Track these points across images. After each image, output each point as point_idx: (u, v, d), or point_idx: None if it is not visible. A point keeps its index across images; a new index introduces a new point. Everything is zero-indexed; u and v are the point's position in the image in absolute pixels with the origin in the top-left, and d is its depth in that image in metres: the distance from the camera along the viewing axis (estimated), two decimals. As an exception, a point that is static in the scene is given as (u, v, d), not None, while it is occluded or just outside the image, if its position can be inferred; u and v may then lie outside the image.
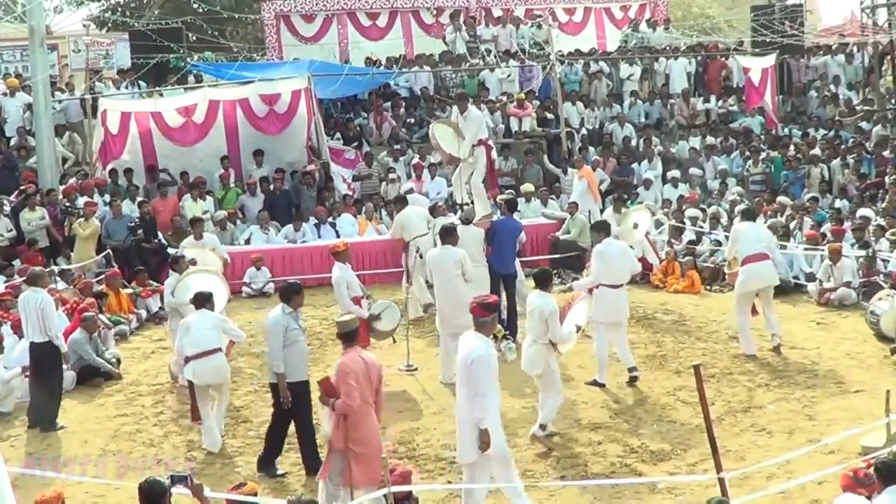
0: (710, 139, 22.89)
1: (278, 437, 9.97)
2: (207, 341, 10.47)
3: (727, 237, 16.79)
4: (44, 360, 11.31)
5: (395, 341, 12.93)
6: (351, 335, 8.42)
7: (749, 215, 13.72)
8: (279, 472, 9.85)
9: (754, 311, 13.06)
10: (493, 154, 14.94)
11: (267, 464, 9.92)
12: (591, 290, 11.94)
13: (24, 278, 12.48)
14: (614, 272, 12.03)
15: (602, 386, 11.85)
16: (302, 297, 9.91)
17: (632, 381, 11.95)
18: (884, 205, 18.06)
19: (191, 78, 22.85)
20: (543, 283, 10.57)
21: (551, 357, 10.36)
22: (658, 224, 18.37)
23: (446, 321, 12.08)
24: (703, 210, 18.89)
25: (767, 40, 25.06)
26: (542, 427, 10.36)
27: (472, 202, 14.33)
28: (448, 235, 12.34)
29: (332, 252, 12.64)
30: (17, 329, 12.70)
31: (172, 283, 12.69)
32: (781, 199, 18.98)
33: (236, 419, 11.38)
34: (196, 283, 12.03)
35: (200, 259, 14.21)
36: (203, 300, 10.79)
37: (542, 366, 10.32)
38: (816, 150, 21.40)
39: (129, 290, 15.91)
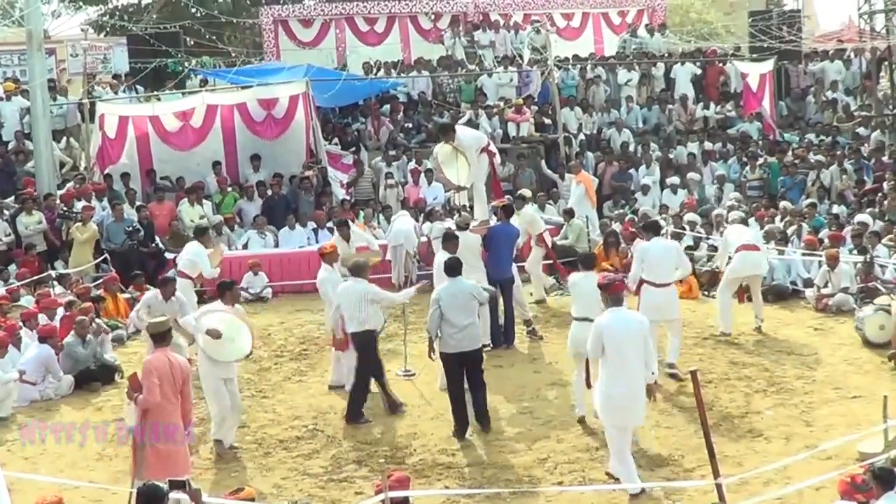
0: (707, 145, 22.93)
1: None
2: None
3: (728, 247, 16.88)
4: None
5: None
6: (161, 336, 8.92)
7: (742, 222, 14.59)
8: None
9: (739, 300, 13.94)
10: (497, 159, 14.89)
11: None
12: (637, 290, 12.10)
13: None
14: (657, 270, 12.12)
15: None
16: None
17: (673, 376, 12.09)
18: (885, 208, 18.02)
19: (191, 82, 22.87)
20: (589, 265, 11.10)
21: None
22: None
23: None
24: (702, 215, 18.89)
25: (765, 46, 25.11)
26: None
27: (471, 206, 14.33)
28: (448, 242, 12.34)
29: (320, 253, 12.85)
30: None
31: (150, 299, 12.43)
32: (784, 203, 19.00)
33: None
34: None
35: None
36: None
37: None
38: (819, 156, 21.41)
39: (127, 295, 15.89)
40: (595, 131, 23.59)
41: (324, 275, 12.50)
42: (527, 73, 24.03)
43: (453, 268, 11.17)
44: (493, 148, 14.50)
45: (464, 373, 10.83)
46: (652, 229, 12.89)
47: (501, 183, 20.27)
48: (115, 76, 23.90)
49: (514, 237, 13.96)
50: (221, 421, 10.50)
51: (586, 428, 10.78)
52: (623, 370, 8.99)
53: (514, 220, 14.31)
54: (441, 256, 12.23)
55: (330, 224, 18.82)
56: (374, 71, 23.81)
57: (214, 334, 10.23)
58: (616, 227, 18.44)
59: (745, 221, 15.09)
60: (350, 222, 15.56)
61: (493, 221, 14.02)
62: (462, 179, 14.07)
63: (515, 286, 13.87)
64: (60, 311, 14.02)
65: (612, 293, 9.20)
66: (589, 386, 10.71)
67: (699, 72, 25.13)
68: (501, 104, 22.97)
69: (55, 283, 15.81)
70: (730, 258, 14.05)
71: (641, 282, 12.21)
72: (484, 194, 14.32)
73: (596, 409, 9.36)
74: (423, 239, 16.14)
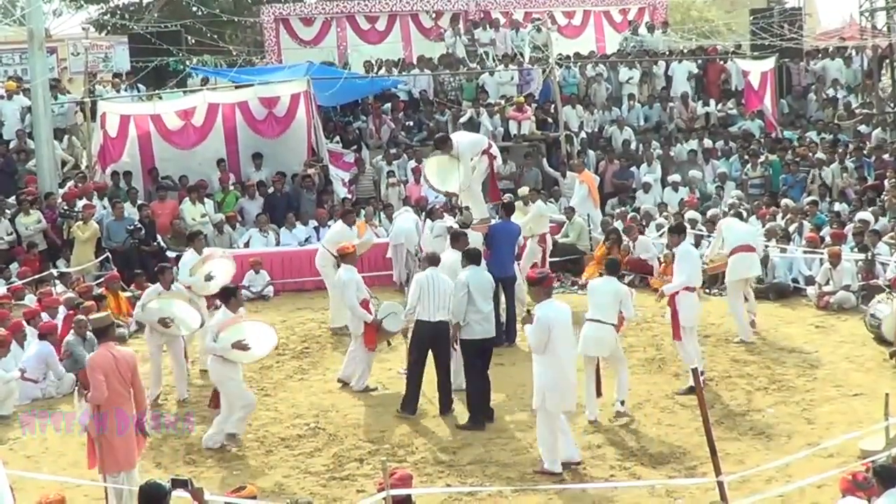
0: (708, 142, 22.92)
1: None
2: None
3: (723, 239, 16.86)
4: None
5: (389, 344, 12.88)
6: (103, 331, 8.90)
7: (737, 215, 14.48)
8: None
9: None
10: (498, 162, 14.84)
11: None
12: (673, 296, 11.75)
13: None
14: (696, 275, 12.09)
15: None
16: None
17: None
18: (886, 206, 18.00)
19: (192, 80, 22.87)
20: (613, 270, 11.21)
21: (616, 336, 10.99)
22: (658, 227, 18.40)
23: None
24: (703, 213, 18.89)
25: (766, 44, 25.08)
26: (622, 402, 10.98)
27: (467, 207, 14.32)
28: (457, 240, 12.34)
29: (340, 254, 12.59)
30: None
31: (152, 294, 12.29)
32: (786, 201, 19.00)
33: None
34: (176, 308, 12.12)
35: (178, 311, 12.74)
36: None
37: (611, 347, 10.89)
38: (819, 154, 21.41)
39: (128, 294, 15.89)
40: (596, 129, 23.59)
41: (349, 275, 12.18)
42: (528, 72, 24.03)
43: (475, 256, 11.36)
44: (494, 150, 14.33)
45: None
46: (680, 231, 12.50)
47: (504, 181, 20.49)
48: (117, 75, 23.89)
49: (515, 235, 13.98)
50: (242, 416, 10.58)
51: (587, 426, 10.78)
52: (564, 358, 9.47)
53: (517, 217, 14.35)
54: (449, 255, 12.20)
55: (331, 222, 18.85)
56: (376, 69, 23.81)
57: (243, 347, 10.29)
58: (618, 224, 18.47)
59: (739, 215, 15.05)
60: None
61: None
62: (454, 185, 13.98)
63: (517, 284, 13.89)
64: (62, 310, 14.03)
65: (546, 286, 9.71)
66: (599, 394, 10.95)
67: (696, 70, 25.11)
68: (502, 102, 22.96)
69: (56, 281, 15.81)
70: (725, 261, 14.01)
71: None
72: (480, 195, 14.25)
73: (535, 398, 9.54)
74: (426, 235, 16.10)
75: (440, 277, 11.25)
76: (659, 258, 17.09)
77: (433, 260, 11.60)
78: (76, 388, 9.55)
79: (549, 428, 9.53)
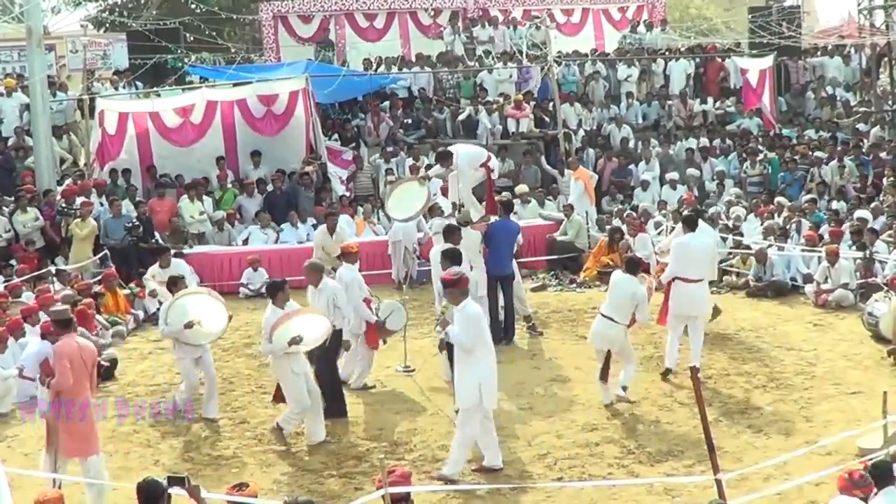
0: (706, 140, 22.91)
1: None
2: None
3: (723, 238, 16.89)
4: None
5: (385, 342, 12.85)
6: (64, 323, 9.25)
7: (688, 221, 12.76)
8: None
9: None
10: (495, 175, 14.81)
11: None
12: (669, 284, 12.13)
13: None
14: (692, 266, 12.06)
15: (669, 371, 12.06)
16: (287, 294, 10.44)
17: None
18: (885, 204, 18.02)
19: (191, 78, 22.86)
20: (633, 269, 11.36)
21: (625, 333, 11.27)
22: (657, 225, 18.41)
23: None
24: (703, 211, 18.87)
25: (765, 42, 25.09)
26: (624, 388, 11.29)
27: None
28: (451, 234, 12.34)
29: (343, 253, 12.53)
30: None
31: (165, 307, 11.53)
32: (779, 199, 19.00)
33: (234, 420, 11.37)
34: (191, 303, 11.35)
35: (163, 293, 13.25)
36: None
37: (620, 343, 11.20)
38: (819, 153, 21.41)
39: (127, 291, 15.89)
40: (595, 127, 23.59)
41: (351, 275, 12.00)
42: (526, 69, 24.02)
43: (455, 256, 11.36)
44: (492, 164, 14.37)
45: None
46: (689, 223, 12.50)
47: (503, 179, 20.53)
48: (118, 72, 23.86)
49: (514, 233, 13.98)
50: (301, 415, 10.52)
51: (586, 424, 10.80)
52: (488, 356, 9.44)
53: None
54: (439, 247, 12.26)
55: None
56: (375, 67, 23.81)
57: (298, 341, 10.20)
58: (616, 222, 18.47)
59: (692, 221, 12.59)
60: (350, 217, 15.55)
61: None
62: (407, 212, 14.01)
63: (515, 282, 13.89)
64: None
65: (462, 287, 9.48)
66: (603, 378, 11.21)
67: (692, 70, 25.09)
68: (501, 100, 22.96)
69: (54, 279, 15.80)
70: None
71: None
72: (474, 198, 14.25)
73: (468, 397, 9.35)
74: (427, 233, 16.11)
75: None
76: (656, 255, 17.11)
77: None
78: (38, 376, 9.91)
79: (483, 425, 9.49)
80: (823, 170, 20.64)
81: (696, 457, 9.63)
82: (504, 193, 15.65)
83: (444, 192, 16.90)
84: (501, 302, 13.64)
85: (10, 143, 20.06)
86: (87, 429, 9.07)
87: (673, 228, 16.25)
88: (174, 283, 11.98)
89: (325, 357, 11.04)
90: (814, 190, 19.90)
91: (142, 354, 14.22)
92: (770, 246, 16.40)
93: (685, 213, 14.13)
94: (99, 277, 15.97)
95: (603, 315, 11.23)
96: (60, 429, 8.96)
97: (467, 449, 9.51)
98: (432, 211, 16.55)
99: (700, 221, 12.90)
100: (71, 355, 8.94)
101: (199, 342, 11.28)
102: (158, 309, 13.97)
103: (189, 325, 11.06)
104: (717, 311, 13.74)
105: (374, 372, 12.50)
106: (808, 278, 15.89)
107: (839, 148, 21.34)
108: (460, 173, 13.81)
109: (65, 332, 9.23)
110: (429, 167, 19.95)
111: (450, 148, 14.59)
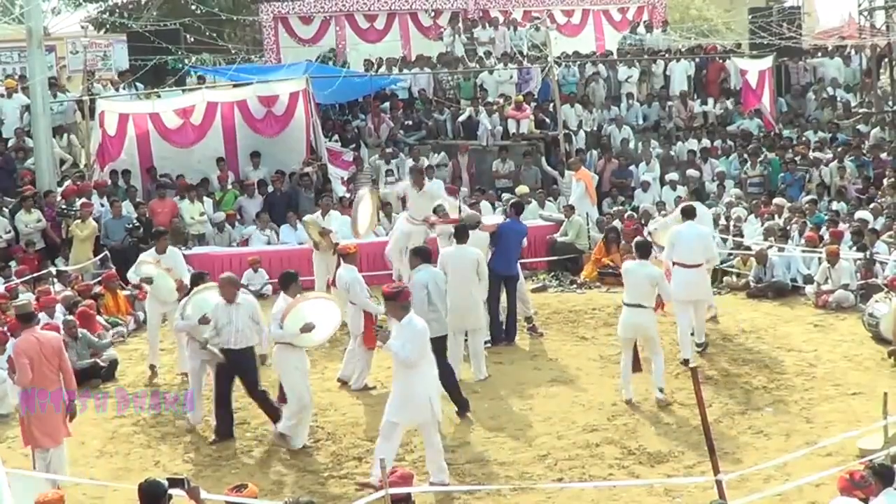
0: (707, 141, 22.92)
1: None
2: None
3: (724, 240, 16.90)
4: None
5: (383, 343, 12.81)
6: (26, 317, 9.38)
7: (686, 212, 13.29)
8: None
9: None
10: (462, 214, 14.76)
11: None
12: (667, 272, 12.38)
13: None
14: (686, 252, 12.60)
15: (687, 362, 12.07)
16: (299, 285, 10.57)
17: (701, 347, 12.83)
18: (884, 204, 17.99)
19: (191, 79, 22.87)
20: (644, 253, 11.49)
21: (654, 319, 11.41)
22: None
23: (457, 320, 11.98)
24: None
25: (765, 42, 25.10)
26: (661, 390, 11.34)
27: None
28: (463, 235, 12.39)
29: (342, 253, 12.55)
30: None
31: (184, 302, 11.33)
32: (778, 200, 19.00)
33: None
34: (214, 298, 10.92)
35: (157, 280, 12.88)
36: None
37: (650, 330, 11.33)
38: (820, 153, 21.41)
39: (127, 292, 15.88)
40: (595, 128, 23.59)
41: (352, 275, 12.04)
42: (527, 70, 24.03)
43: (426, 254, 11.38)
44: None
45: None
46: (688, 214, 13.09)
47: (503, 179, 20.64)
48: (120, 74, 23.85)
49: (522, 234, 14.10)
50: (296, 416, 10.41)
51: (586, 425, 10.79)
52: (431, 368, 9.33)
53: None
54: (447, 250, 12.37)
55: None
56: (375, 68, 23.82)
57: (309, 328, 10.19)
58: (616, 223, 18.46)
59: (689, 212, 13.18)
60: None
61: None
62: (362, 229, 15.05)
63: (519, 282, 13.92)
64: (59, 309, 14.02)
65: (403, 301, 9.28)
66: (636, 370, 11.38)
67: (692, 71, 25.09)
68: (501, 101, 22.96)
69: (55, 280, 15.80)
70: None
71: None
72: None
73: (422, 410, 9.12)
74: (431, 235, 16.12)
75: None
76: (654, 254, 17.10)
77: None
78: (6, 372, 10.12)
79: (392, 442, 9.24)
80: (823, 171, 20.64)
81: (697, 458, 9.63)
82: (514, 195, 15.73)
83: (451, 192, 16.97)
84: (503, 302, 13.66)
85: (10, 144, 20.06)
86: (58, 418, 9.26)
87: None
88: (201, 278, 11.69)
89: (225, 375, 10.72)
90: (814, 191, 19.90)
91: (142, 355, 14.17)
92: (770, 247, 16.40)
93: (683, 204, 14.44)
94: (99, 278, 15.97)
95: (628, 304, 11.35)
96: (32, 420, 9.17)
97: (387, 452, 8.96)
98: (434, 212, 16.56)
99: (700, 207, 13.81)
100: (29, 350, 9.06)
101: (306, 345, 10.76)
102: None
103: (307, 328, 10.37)
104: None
105: (374, 372, 12.50)
106: (808, 279, 15.89)
107: (840, 149, 21.34)
108: (433, 197, 14.48)
109: (26, 326, 9.33)
110: (429, 168, 20.06)
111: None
